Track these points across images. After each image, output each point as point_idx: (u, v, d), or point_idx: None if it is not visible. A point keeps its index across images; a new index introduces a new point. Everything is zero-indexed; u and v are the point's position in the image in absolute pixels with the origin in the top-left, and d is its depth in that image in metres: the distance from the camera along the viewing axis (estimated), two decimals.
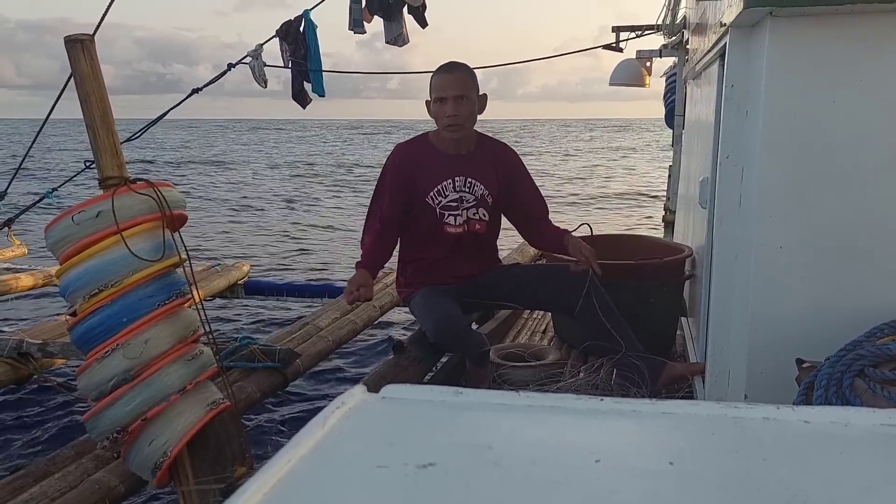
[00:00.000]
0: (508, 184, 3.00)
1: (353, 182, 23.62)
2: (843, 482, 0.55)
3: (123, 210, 1.83)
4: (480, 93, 2.88)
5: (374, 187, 3.04)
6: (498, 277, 3.04)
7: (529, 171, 3.13)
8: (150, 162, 30.57)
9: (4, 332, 4.57)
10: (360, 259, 2.93)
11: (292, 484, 0.54)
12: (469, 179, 2.91)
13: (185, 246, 2.00)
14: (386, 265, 3.12)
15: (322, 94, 4.28)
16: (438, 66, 2.85)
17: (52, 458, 2.16)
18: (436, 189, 2.89)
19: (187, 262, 2.00)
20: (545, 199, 3.17)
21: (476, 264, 3.03)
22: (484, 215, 2.97)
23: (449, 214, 2.92)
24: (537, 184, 3.17)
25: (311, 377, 5.32)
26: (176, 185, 2.12)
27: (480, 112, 2.90)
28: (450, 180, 2.90)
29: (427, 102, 2.89)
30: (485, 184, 2.93)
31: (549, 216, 3.13)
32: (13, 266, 5.50)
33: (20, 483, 2.00)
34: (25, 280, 5.05)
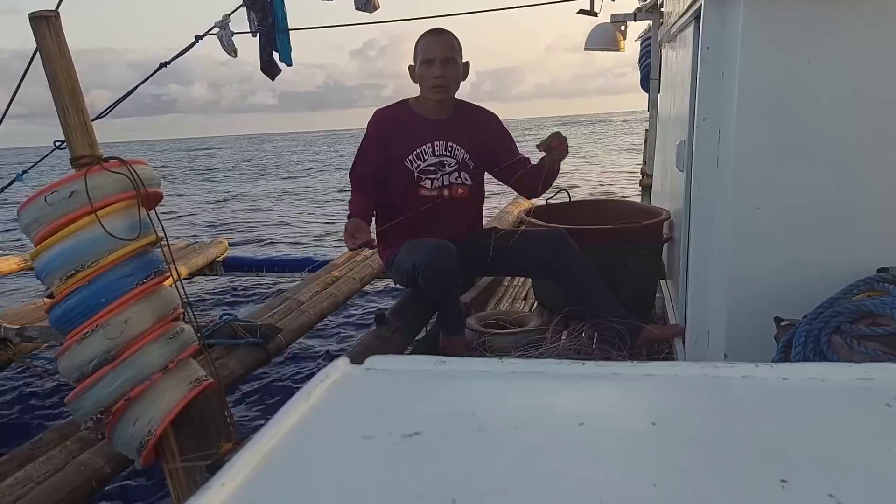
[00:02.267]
0: (489, 146, 3.01)
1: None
2: (821, 436, 0.56)
3: (97, 189, 1.80)
4: (464, 60, 2.89)
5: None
6: (476, 244, 3.04)
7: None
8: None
9: None
10: (349, 212, 2.90)
11: (279, 458, 0.54)
12: (450, 143, 2.92)
13: (161, 224, 1.98)
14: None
15: (290, 63, 4.19)
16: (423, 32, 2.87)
17: (36, 442, 2.15)
18: (414, 153, 2.90)
19: (165, 240, 1.98)
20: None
21: (453, 231, 3.00)
22: (466, 179, 2.98)
23: (426, 178, 2.92)
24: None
25: (294, 351, 5.33)
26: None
27: (463, 79, 2.93)
28: (429, 144, 2.90)
29: (410, 67, 2.90)
30: (465, 147, 2.95)
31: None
32: None
33: (4, 468, 1.99)
34: (0, 265, 4.99)
